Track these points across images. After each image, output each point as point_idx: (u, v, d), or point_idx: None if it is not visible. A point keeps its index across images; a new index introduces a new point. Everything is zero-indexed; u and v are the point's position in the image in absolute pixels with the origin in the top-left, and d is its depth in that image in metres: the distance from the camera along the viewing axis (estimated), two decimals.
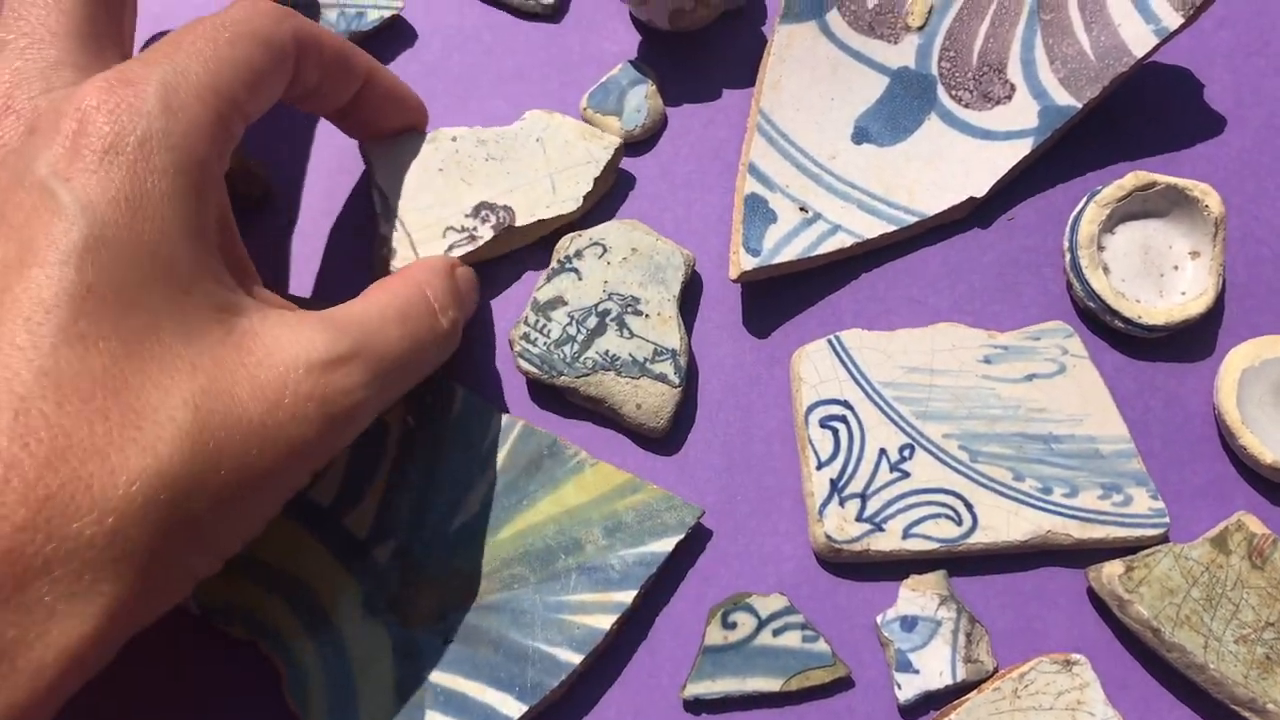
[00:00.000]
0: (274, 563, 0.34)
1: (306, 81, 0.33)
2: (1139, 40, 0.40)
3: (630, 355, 0.37)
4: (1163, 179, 0.39)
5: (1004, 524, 0.36)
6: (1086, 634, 0.36)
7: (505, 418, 0.36)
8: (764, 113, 0.40)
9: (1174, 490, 0.38)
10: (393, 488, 0.35)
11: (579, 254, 0.38)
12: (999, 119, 0.41)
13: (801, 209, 0.39)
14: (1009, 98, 0.41)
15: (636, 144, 0.41)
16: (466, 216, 0.37)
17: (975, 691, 0.34)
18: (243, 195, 0.39)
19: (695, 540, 0.36)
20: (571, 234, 0.38)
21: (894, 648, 0.35)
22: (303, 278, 0.39)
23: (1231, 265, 0.40)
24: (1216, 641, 0.35)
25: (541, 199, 0.38)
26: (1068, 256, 0.39)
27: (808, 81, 0.41)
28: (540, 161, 0.38)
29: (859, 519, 0.36)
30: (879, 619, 0.35)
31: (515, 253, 0.39)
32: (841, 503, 0.36)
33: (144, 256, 0.25)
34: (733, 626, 0.35)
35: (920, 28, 0.42)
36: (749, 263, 0.38)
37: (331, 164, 0.41)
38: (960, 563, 0.36)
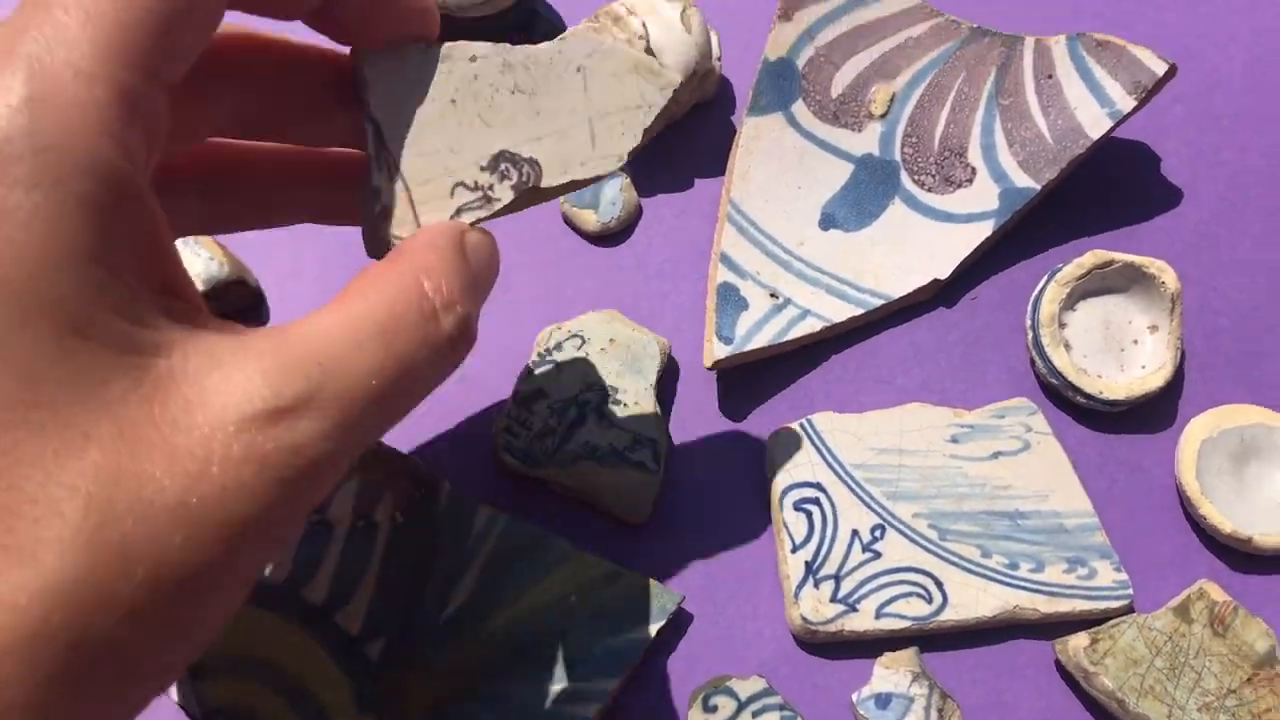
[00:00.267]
0: (273, 661, 0.35)
1: None
2: (1094, 123, 0.41)
3: (610, 444, 0.38)
4: (1120, 257, 0.40)
5: (973, 600, 0.37)
6: (1055, 705, 0.37)
7: (489, 512, 0.37)
8: (734, 202, 0.41)
9: (1138, 560, 0.39)
10: (382, 584, 0.36)
11: (559, 346, 0.40)
12: (961, 202, 0.42)
13: (772, 295, 0.40)
14: (970, 181, 0.42)
15: (612, 235, 0.43)
16: (482, 169, 0.29)
17: None
18: (235, 309, 0.40)
19: (676, 624, 0.38)
20: (551, 326, 0.40)
21: None
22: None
23: (1190, 337, 0.42)
24: (1180, 710, 0.36)
25: (576, 152, 0.30)
26: (1030, 334, 0.41)
27: (775, 171, 0.42)
28: (579, 99, 0.30)
29: (833, 600, 0.37)
30: (854, 697, 0.37)
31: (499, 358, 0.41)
32: (816, 584, 0.37)
33: (3, 295, 0.19)
34: (714, 710, 0.36)
35: (883, 115, 0.43)
36: (722, 351, 0.39)
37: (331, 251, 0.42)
38: (932, 639, 0.38)
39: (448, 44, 0.28)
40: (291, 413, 0.21)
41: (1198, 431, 0.40)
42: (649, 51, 0.40)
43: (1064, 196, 0.43)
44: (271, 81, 0.28)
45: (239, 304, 0.41)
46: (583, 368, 0.39)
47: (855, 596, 0.37)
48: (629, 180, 0.43)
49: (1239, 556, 0.39)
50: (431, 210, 0.28)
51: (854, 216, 0.42)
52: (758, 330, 0.40)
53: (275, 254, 0.42)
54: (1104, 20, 0.48)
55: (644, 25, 0.41)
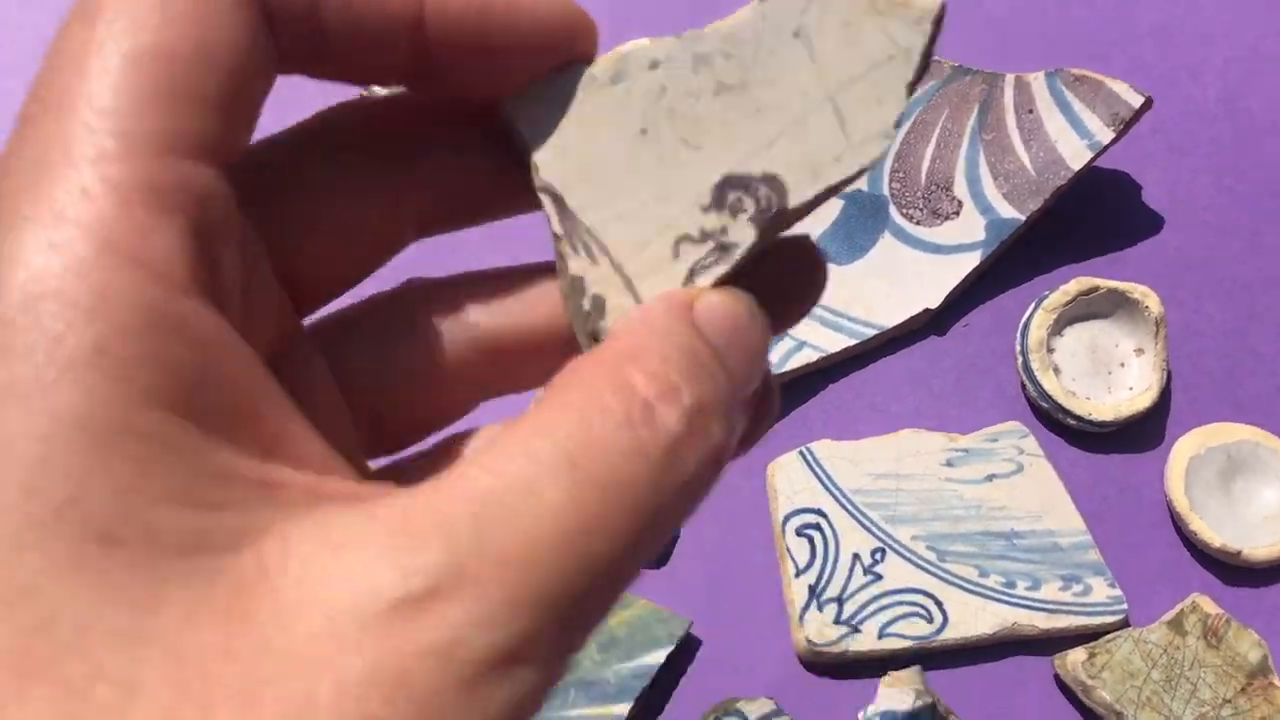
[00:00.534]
0: None
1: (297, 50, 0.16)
2: (1075, 155, 0.43)
3: None
4: (1104, 283, 0.42)
5: (972, 619, 0.38)
6: (1056, 718, 0.38)
7: None
8: None
9: (1131, 576, 0.40)
10: None
11: None
12: (949, 234, 0.44)
13: None
14: (957, 213, 0.44)
15: None
16: (705, 210, 0.20)
17: None
18: None
19: (685, 649, 0.39)
20: None
21: None
22: None
23: (1175, 358, 0.43)
24: None
25: (825, 146, 0.20)
26: (1020, 360, 0.42)
27: None
28: (808, 75, 0.20)
29: (837, 622, 0.38)
30: (860, 715, 0.38)
31: None
32: (820, 607, 0.38)
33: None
34: None
35: None
36: None
37: None
38: (934, 657, 0.39)
39: (611, 54, 0.20)
40: (432, 597, 0.13)
41: (1185, 449, 0.41)
42: None
43: (1049, 226, 0.45)
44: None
45: None
46: None
47: (858, 618, 0.38)
48: None
49: (1229, 570, 0.40)
50: (655, 284, 0.20)
51: (846, 250, 0.44)
52: None
53: None
54: (1081, 55, 0.50)
55: None
